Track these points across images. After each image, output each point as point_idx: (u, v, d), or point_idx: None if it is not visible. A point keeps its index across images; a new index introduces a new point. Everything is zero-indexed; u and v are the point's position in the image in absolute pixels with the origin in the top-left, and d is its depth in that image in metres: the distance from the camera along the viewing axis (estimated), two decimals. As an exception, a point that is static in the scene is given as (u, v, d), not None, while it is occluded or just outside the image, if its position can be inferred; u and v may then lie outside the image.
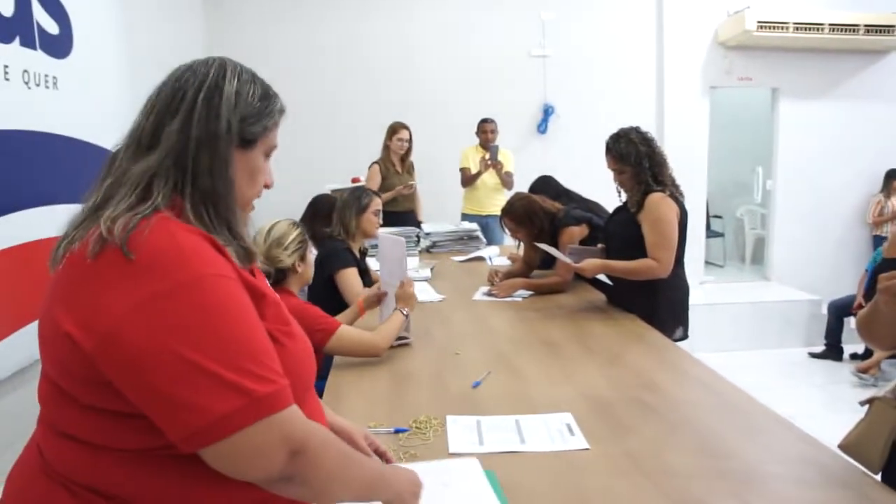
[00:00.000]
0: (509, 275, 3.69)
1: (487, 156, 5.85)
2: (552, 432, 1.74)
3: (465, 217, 5.99)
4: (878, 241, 7.07)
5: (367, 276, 3.43)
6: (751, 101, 7.98)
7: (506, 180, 5.90)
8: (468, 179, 6.00)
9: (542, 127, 7.16)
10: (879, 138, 7.35)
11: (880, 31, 6.81)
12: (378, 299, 2.76)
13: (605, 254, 3.13)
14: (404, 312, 2.45)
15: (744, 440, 1.72)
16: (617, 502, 1.43)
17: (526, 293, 3.44)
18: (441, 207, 6.44)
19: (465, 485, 1.40)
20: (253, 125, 1.11)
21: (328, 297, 3.18)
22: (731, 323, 6.43)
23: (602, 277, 3.04)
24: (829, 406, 5.39)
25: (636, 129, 3.06)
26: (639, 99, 7.07)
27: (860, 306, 5.97)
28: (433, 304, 3.28)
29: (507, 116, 6.49)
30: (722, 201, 8.63)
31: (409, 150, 5.69)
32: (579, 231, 3.53)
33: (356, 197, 3.44)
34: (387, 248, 2.77)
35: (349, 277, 3.19)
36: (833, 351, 6.14)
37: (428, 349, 2.53)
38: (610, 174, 3.09)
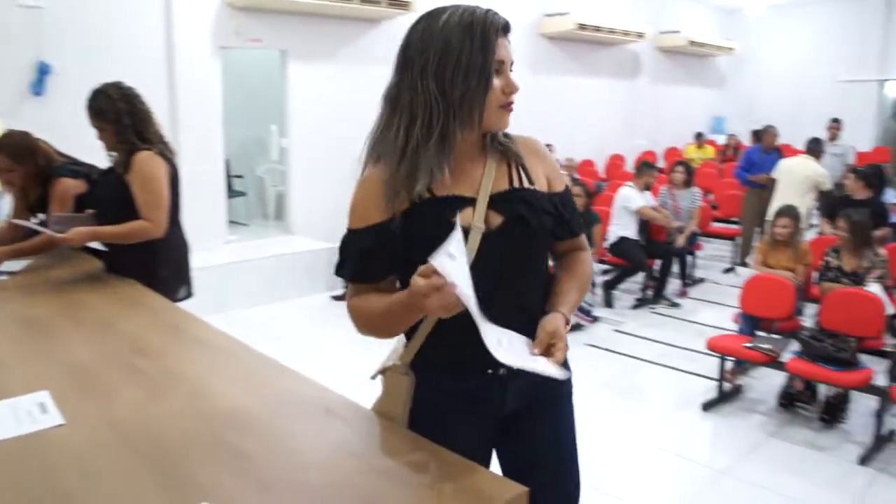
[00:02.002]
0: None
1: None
2: (20, 415, 1.62)
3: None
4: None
5: None
6: (264, 62, 8.20)
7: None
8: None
9: (38, 88, 6.48)
10: (377, 98, 8.15)
11: (373, 3, 7.48)
12: None
13: (97, 219, 2.98)
14: None
15: (239, 389, 1.81)
16: (93, 474, 1.40)
17: (14, 267, 3.11)
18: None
19: None
20: None
21: None
22: (259, 278, 6.66)
23: (97, 245, 2.90)
24: (350, 340, 5.97)
25: (116, 85, 2.96)
26: (148, 58, 6.77)
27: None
28: None
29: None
30: (243, 161, 8.81)
31: None
32: (74, 185, 3.25)
33: None
34: None
35: None
36: (345, 290, 6.77)
37: None
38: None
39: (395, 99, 1.47)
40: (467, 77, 1.41)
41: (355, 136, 6.36)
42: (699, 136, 12.04)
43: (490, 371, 1.52)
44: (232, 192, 8.17)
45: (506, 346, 1.37)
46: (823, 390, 4.43)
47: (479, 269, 1.35)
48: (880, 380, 4.02)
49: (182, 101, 6.64)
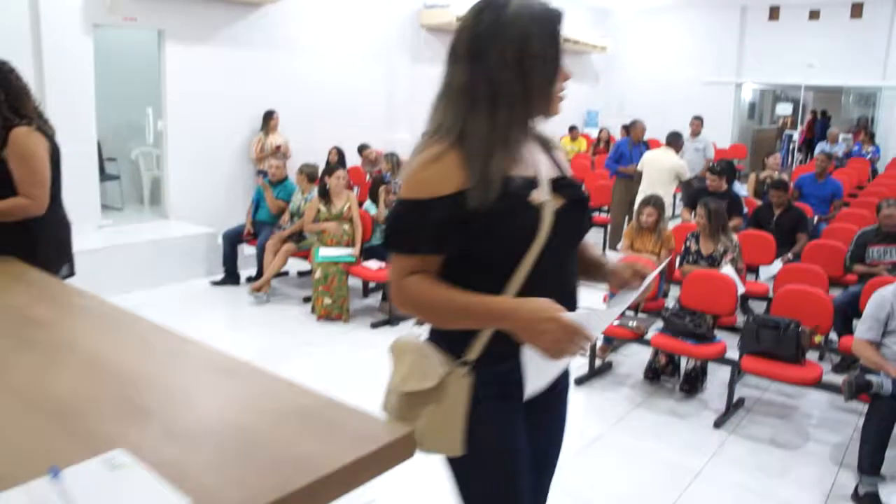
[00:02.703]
0: None
1: None
2: None
3: None
4: (260, 174, 7.78)
5: None
6: (140, 41, 7.93)
7: None
8: None
9: None
10: (259, 82, 8.10)
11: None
12: None
13: None
14: None
15: (134, 353, 1.84)
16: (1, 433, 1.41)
17: None
18: None
19: None
20: None
21: None
22: (134, 263, 6.46)
23: None
24: (232, 325, 5.94)
25: None
26: (11, 35, 6.43)
27: (249, 233, 6.66)
28: None
29: None
30: (116, 143, 8.49)
31: None
32: None
33: None
34: None
35: None
36: (232, 276, 6.70)
37: None
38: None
39: (470, 87, 1.48)
40: (545, 66, 1.51)
41: (234, 120, 6.38)
42: (573, 129, 12.53)
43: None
44: (104, 176, 7.89)
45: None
46: (684, 364, 4.79)
47: (548, 245, 1.48)
48: (733, 353, 4.39)
49: (50, 80, 6.38)
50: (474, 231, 1.46)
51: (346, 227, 6.06)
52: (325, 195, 6.12)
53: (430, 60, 10.34)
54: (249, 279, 6.71)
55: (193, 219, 7.46)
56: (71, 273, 3.05)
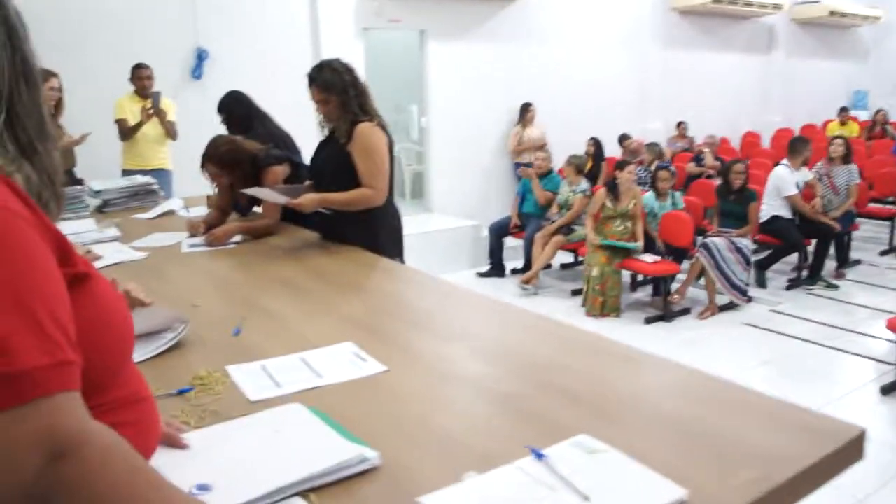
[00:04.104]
0: (211, 223, 3.45)
1: (148, 104, 5.37)
2: (344, 363, 1.68)
3: (126, 173, 5.45)
4: (518, 167, 7.82)
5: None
6: (402, 41, 8.29)
7: (170, 130, 5.50)
8: (128, 131, 5.46)
9: (197, 72, 6.75)
10: (515, 75, 8.17)
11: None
12: None
13: (315, 189, 3.07)
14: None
15: (546, 345, 1.83)
16: (445, 412, 1.44)
17: (238, 238, 3.26)
18: (96, 164, 5.79)
19: (298, 427, 1.29)
20: None
21: None
22: (407, 255, 6.69)
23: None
24: (496, 319, 5.97)
25: (338, 60, 3.02)
26: (294, 41, 6.96)
27: (515, 225, 6.71)
28: (139, 261, 2.95)
29: (157, 61, 5.99)
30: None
31: (60, 102, 4.77)
32: (282, 170, 3.42)
33: None
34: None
35: None
36: (497, 268, 6.79)
37: (160, 306, 2.28)
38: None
39: None
40: None
41: (491, 113, 6.45)
42: (843, 110, 11.39)
43: None
44: (372, 172, 8.28)
45: None
46: None
47: None
48: None
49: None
50: None
51: (628, 223, 5.87)
52: (613, 189, 5.95)
53: (684, 45, 9.92)
54: (514, 271, 6.76)
55: (456, 212, 7.67)
56: (402, 263, 3.16)
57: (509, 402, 1.47)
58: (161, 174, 5.28)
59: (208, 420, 1.38)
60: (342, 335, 1.86)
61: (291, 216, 3.33)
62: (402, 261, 3.17)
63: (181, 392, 1.53)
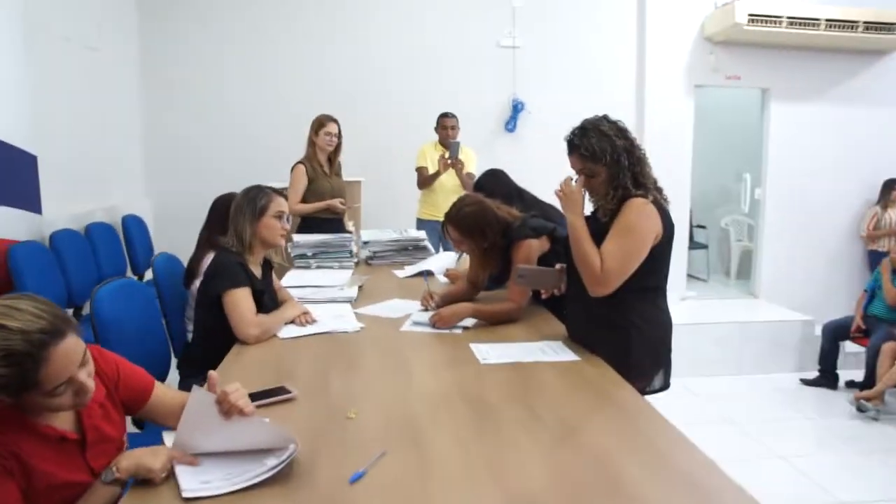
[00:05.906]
0: (448, 298, 2.99)
1: (447, 154, 5.20)
2: None
3: (420, 223, 5.36)
4: (872, 256, 6.52)
5: (267, 296, 2.72)
6: (739, 101, 7.37)
7: (466, 182, 5.26)
8: (425, 180, 5.35)
9: (511, 125, 6.55)
10: (877, 145, 6.79)
11: (880, 29, 6.27)
12: None
13: (566, 274, 2.47)
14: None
15: None
16: None
17: (471, 322, 2.75)
18: (394, 211, 5.79)
19: None
20: None
21: (217, 321, 2.51)
22: (715, 344, 5.80)
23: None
24: (823, 442, 4.77)
25: (606, 118, 2.37)
26: (618, 96, 6.45)
27: (858, 329, 5.41)
28: (346, 336, 2.59)
29: (472, 112, 5.86)
30: (706, 210, 8.01)
31: (338, 147, 4.70)
32: (538, 245, 2.85)
33: (250, 198, 2.68)
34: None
35: (238, 300, 2.49)
36: (827, 378, 5.53)
37: (314, 408, 1.84)
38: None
39: None
40: None
41: (842, 189, 5.15)
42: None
43: None
44: (692, 244, 7.43)
45: None
46: None
47: None
48: None
49: (649, 142, 6.13)
50: None
51: None
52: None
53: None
54: (849, 384, 5.45)
55: (786, 301, 6.50)
56: (665, 385, 2.38)
57: None
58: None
59: None
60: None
61: (548, 302, 2.75)
62: (665, 382, 2.40)
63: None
